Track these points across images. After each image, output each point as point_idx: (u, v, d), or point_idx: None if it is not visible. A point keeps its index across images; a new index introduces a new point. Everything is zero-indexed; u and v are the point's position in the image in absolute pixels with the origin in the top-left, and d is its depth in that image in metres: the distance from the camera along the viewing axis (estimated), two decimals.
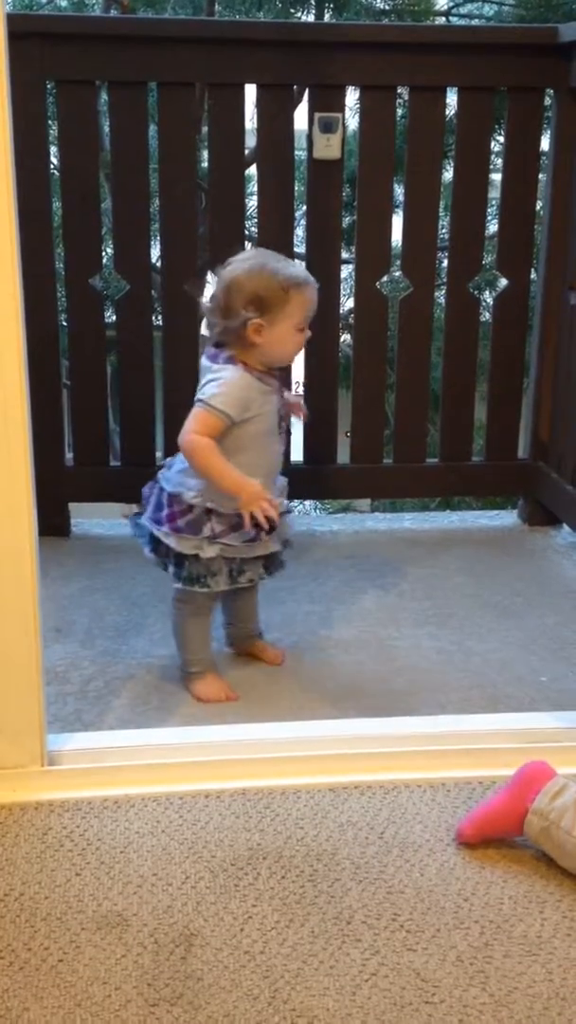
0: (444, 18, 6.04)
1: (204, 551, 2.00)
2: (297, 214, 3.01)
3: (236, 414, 1.95)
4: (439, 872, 1.59)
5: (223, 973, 1.40)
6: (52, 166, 2.85)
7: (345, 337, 3.86)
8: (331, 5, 5.44)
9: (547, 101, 2.82)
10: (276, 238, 2.81)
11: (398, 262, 2.93)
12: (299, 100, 3.01)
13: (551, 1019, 1.34)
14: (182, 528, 2.01)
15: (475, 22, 6.00)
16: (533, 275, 2.94)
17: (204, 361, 2.03)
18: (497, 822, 1.64)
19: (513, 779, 1.65)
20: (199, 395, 1.98)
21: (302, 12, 5.56)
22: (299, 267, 2.03)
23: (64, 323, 2.82)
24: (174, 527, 2.01)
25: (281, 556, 2.14)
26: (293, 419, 2.15)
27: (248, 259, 2.01)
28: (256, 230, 2.85)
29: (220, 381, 1.96)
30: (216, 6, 5.37)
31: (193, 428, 1.96)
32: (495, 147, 2.96)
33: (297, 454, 2.93)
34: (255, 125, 2.77)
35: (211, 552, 2.00)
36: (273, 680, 2.18)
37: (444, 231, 3.10)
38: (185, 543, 2.01)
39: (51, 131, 2.73)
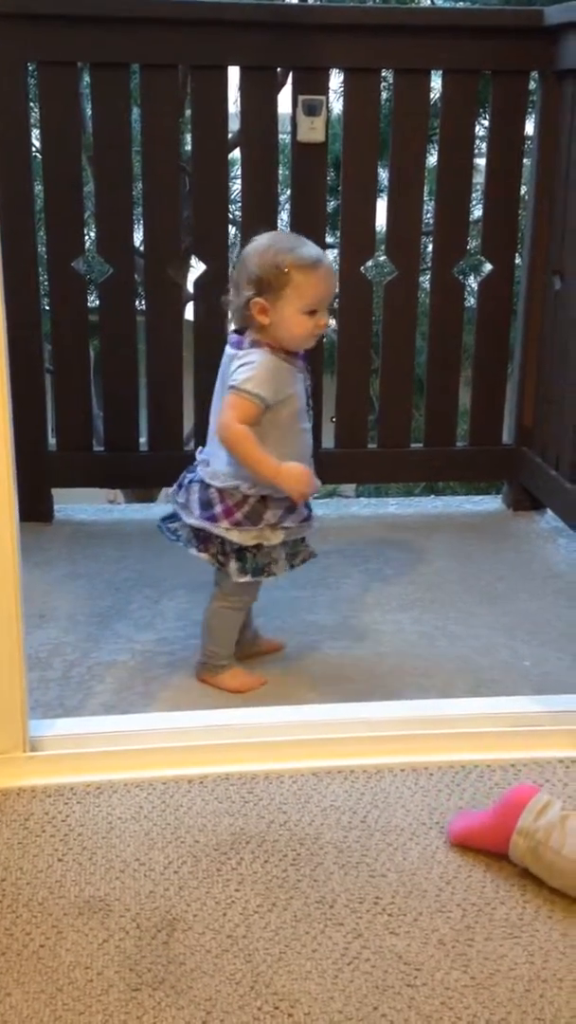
0: (429, 1, 6.02)
1: (269, 539, 1.98)
2: (281, 198, 3.00)
3: (270, 396, 1.92)
4: (421, 856, 1.59)
5: (205, 957, 1.40)
6: (34, 149, 2.83)
7: (330, 322, 3.85)
8: None
9: (532, 85, 2.81)
10: (260, 222, 2.79)
11: (383, 246, 2.93)
12: (283, 83, 2.99)
13: (532, 1001, 1.35)
14: (242, 521, 1.96)
15: (460, 5, 5.97)
16: (518, 260, 2.94)
17: (229, 349, 2.00)
18: (481, 840, 1.59)
19: (500, 800, 1.60)
20: (231, 382, 1.94)
21: None
22: (313, 250, 1.96)
23: (47, 307, 2.81)
24: (234, 521, 1.96)
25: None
26: None
27: (263, 238, 1.98)
28: (240, 214, 2.84)
29: (250, 365, 1.93)
30: None
31: (232, 417, 1.92)
32: (480, 131, 2.96)
33: None
34: (239, 108, 2.75)
35: (276, 539, 1.98)
36: (257, 665, 2.17)
37: (429, 215, 3.09)
38: (247, 535, 1.97)
39: (33, 113, 2.71)
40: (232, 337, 2.01)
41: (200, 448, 2.10)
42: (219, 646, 2.10)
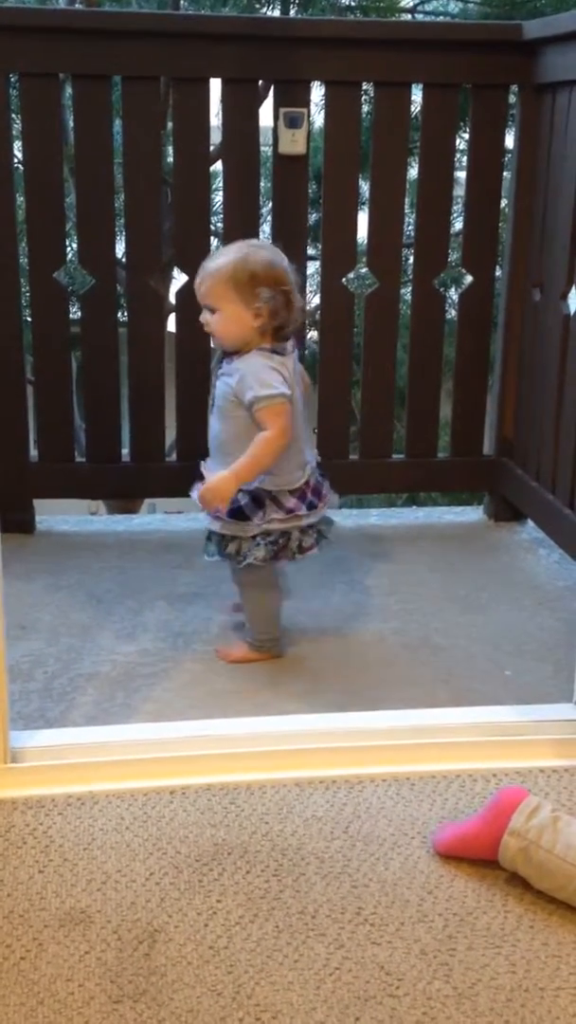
0: (409, 15, 6.06)
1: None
2: (263, 210, 3.01)
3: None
4: (403, 866, 1.59)
5: (187, 969, 1.39)
6: (16, 160, 2.83)
7: (311, 334, 3.86)
8: (296, 0, 5.45)
9: (512, 98, 2.83)
10: (241, 234, 2.79)
11: (364, 258, 2.94)
12: (265, 95, 3.01)
13: (514, 1011, 1.35)
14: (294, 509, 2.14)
15: (440, 19, 6.02)
16: (498, 272, 2.96)
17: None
18: (470, 846, 1.59)
19: (488, 804, 1.61)
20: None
21: (267, 7, 5.56)
22: (213, 257, 2.13)
23: (28, 319, 2.80)
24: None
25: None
26: None
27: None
28: (222, 226, 2.85)
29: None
30: (181, 0, 5.36)
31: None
32: (460, 144, 2.98)
33: None
34: (220, 120, 2.76)
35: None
36: (238, 675, 2.17)
37: (410, 228, 3.11)
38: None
39: (15, 125, 2.72)
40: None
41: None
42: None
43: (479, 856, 1.59)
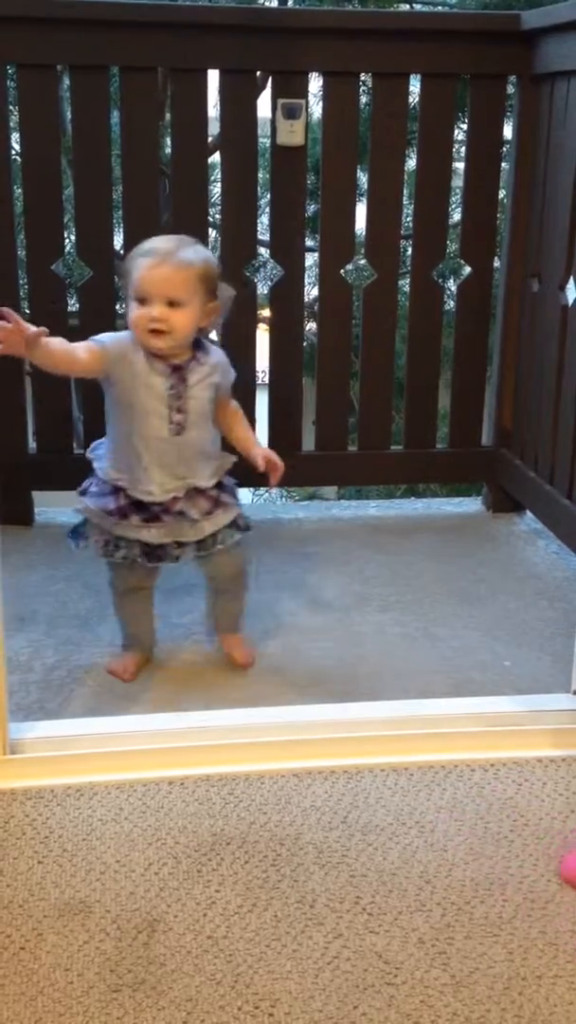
0: (407, 5, 6.04)
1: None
2: (261, 201, 3.00)
3: (106, 350, 1.95)
4: (401, 855, 1.60)
5: (186, 958, 1.40)
6: (14, 151, 2.82)
7: (310, 325, 3.86)
8: None
9: (510, 89, 2.83)
10: (240, 225, 2.81)
11: (362, 250, 2.93)
12: (263, 86, 3.00)
13: (512, 999, 1.35)
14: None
15: (438, 9, 6.00)
16: (496, 263, 2.96)
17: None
18: None
19: None
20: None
21: None
22: (157, 241, 1.98)
23: (26, 310, 2.80)
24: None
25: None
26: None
27: None
28: (220, 217, 2.84)
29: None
30: None
31: None
32: (458, 135, 2.97)
33: (263, 442, 2.92)
34: (219, 111, 2.76)
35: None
36: (238, 667, 2.18)
37: (408, 219, 3.10)
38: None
39: (12, 116, 2.71)
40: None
41: None
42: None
43: None
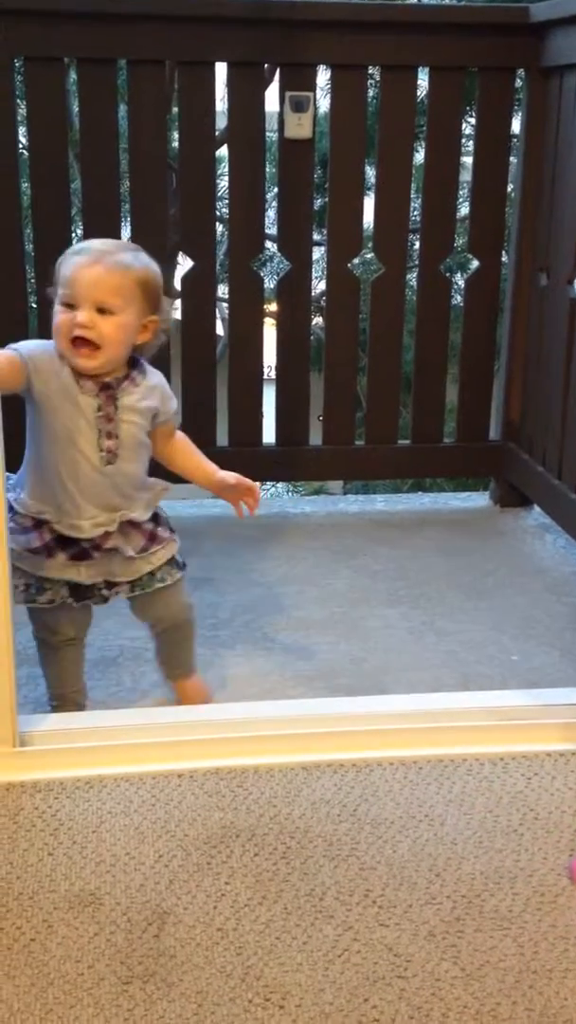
0: None
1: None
2: (268, 195, 3.00)
3: (31, 361, 1.71)
4: (411, 848, 1.60)
5: (196, 950, 1.40)
6: (21, 145, 2.82)
7: (317, 319, 3.85)
8: None
9: (518, 82, 2.82)
10: (247, 219, 2.81)
11: (370, 243, 2.93)
12: (270, 79, 2.99)
13: (522, 992, 1.35)
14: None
15: (447, 2, 5.98)
16: (504, 257, 2.95)
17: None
18: None
19: None
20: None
21: None
22: (93, 242, 1.78)
23: (33, 305, 2.80)
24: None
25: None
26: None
27: None
28: (227, 211, 2.84)
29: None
30: None
31: None
32: (466, 128, 2.97)
33: (270, 436, 2.93)
34: (226, 104, 2.75)
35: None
36: (247, 661, 2.18)
37: (416, 212, 3.10)
38: None
39: (19, 110, 2.71)
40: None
41: None
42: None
43: None
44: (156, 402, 1.80)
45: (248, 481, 1.88)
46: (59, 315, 1.70)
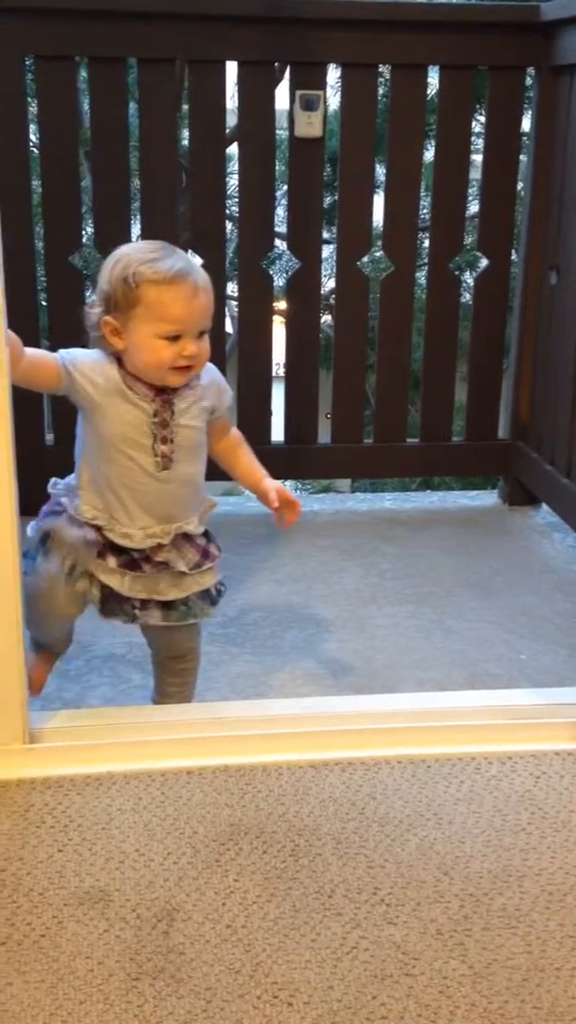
0: None
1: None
2: (278, 193, 3.00)
3: (73, 366, 1.68)
4: (419, 847, 1.60)
5: (205, 947, 1.41)
6: (32, 143, 2.83)
7: (326, 317, 3.86)
8: None
9: (529, 80, 2.82)
10: (257, 217, 2.81)
11: (379, 242, 2.93)
12: (281, 78, 3.00)
13: (530, 990, 1.36)
14: None
15: (457, 0, 5.96)
16: (514, 255, 2.95)
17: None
18: None
19: None
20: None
21: None
22: (176, 262, 1.64)
23: (44, 302, 2.81)
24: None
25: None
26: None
27: (125, 246, 1.72)
28: (237, 209, 2.84)
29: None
30: None
31: None
32: (476, 126, 2.97)
33: (278, 434, 2.93)
34: (236, 103, 2.75)
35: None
36: (255, 658, 2.18)
37: (425, 211, 3.10)
38: None
39: (30, 108, 2.71)
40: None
41: None
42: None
43: None
44: (211, 400, 1.75)
45: (291, 496, 1.81)
46: (162, 350, 1.63)
